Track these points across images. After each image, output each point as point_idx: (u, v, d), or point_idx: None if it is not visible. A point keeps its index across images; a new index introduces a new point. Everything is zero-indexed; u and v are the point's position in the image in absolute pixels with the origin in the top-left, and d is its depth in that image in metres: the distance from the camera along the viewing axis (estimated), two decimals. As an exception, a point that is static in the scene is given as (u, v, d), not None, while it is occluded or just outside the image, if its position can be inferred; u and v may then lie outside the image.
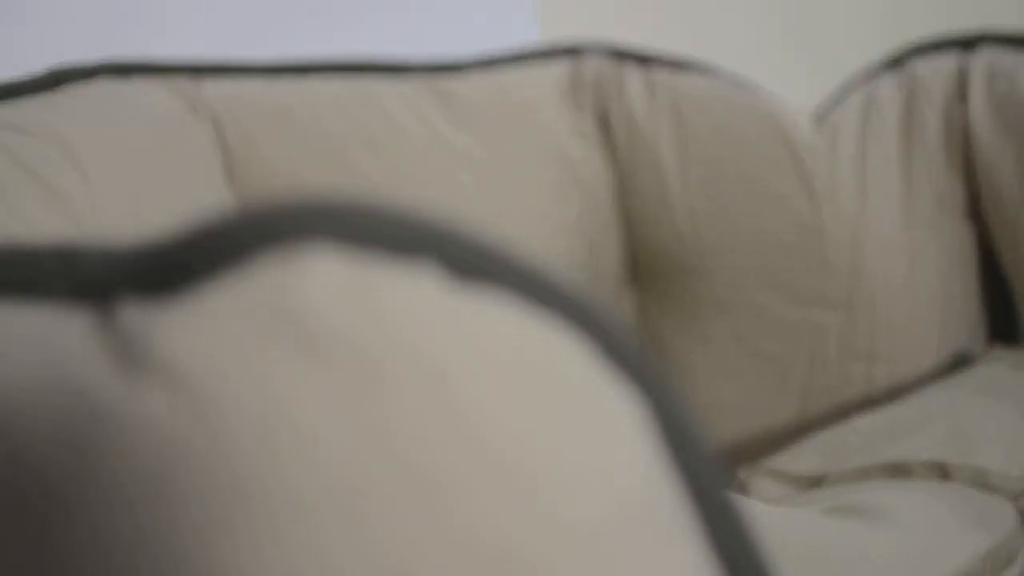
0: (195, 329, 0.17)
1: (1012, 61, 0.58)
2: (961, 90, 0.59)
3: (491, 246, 0.18)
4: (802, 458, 0.49)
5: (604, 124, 0.60)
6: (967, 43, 0.61)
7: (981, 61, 0.59)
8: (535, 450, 0.17)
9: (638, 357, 0.19)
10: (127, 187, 0.44)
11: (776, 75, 0.80)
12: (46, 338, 0.19)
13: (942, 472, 0.44)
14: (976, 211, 0.59)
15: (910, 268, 0.58)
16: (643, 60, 0.61)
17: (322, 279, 0.17)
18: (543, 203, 0.57)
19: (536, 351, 0.18)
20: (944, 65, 0.60)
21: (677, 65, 0.61)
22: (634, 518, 0.18)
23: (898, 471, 0.45)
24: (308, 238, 0.17)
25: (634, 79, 0.60)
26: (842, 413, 0.56)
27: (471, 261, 0.18)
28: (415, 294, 0.17)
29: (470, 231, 0.18)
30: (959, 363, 0.58)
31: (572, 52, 0.62)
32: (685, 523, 0.19)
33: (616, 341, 0.19)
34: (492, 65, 0.59)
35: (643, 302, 0.60)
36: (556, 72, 0.60)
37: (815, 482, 0.46)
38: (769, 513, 0.36)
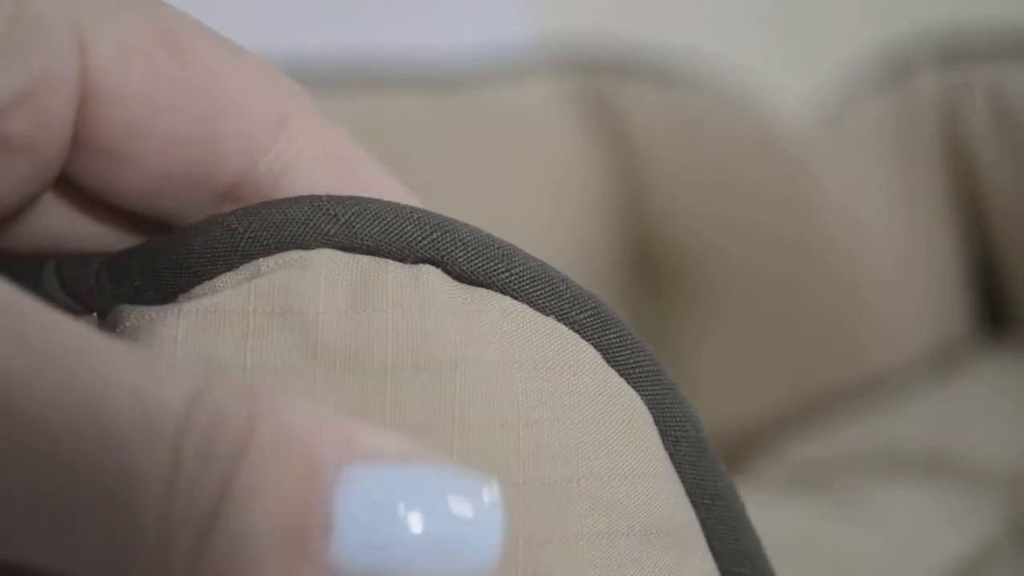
0: (195, 331, 0.17)
1: (1012, 69, 0.58)
2: (962, 100, 0.59)
3: (496, 247, 0.18)
4: (801, 447, 0.49)
5: (607, 130, 0.60)
6: (965, 47, 0.61)
7: (981, 68, 0.59)
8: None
9: (644, 359, 0.19)
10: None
11: (768, 59, 0.80)
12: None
13: (935, 462, 0.44)
14: (975, 210, 0.59)
15: (907, 265, 0.58)
16: (648, 67, 0.61)
17: (324, 282, 0.17)
18: (543, 207, 0.57)
19: (542, 353, 0.17)
20: (943, 73, 0.61)
21: (680, 71, 0.61)
22: (640, 518, 0.18)
23: (892, 460, 0.45)
24: (310, 240, 0.17)
25: (639, 86, 0.60)
26: (841, 403, 0.56)
27: (475, 263, 0.18)
28: (418, 298, 0.17)
29: (474, 232, 0.18)
30: (953, 353, 0.59)
31: (577, 56, 0.62)
32: (690, 523, 0.19)
33: (622, 343, 0.18)
34: (495, 68, 0.59)
35: (645, 304, 0.60)
36: (560, 76, 0.60)
37: (812, 469, 0.46)
38: (764, 508, 0.36)
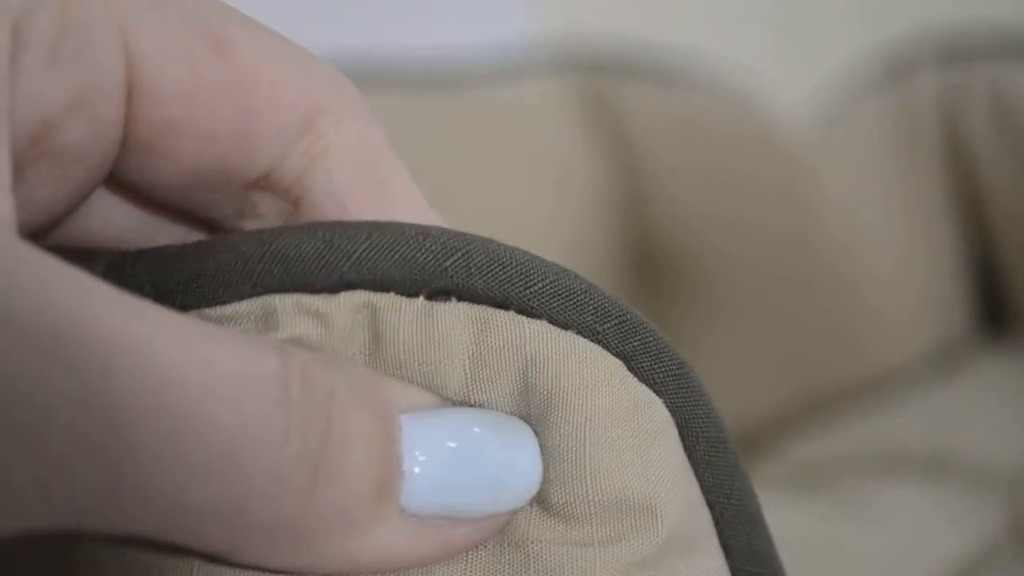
0: None
1: (1012, 69, 0.58)
2: (962, 100, 0.59)
3: (513, 264, 0.18)
4: (801, 447, 0.50)
5: (607, 130, 0.60)
6: (965, 47, 0.61)
7: (981, 68, 0.59)
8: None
9: (668, 362, 0.18)
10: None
11: (768, 59, 0.80)
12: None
13: (935, 462, 0.44)
14: (975, 210, 0.59)
15: (907, 265, 0.58)
16: (648, 67, 0.61)
17: (340, 341, 0.17)
18: (543, 207, 0.57)
19: (553, 383, 0.17)
20: (943, 73, 0.60)
21: (680, 71, 0.61)
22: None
23: (893, 460, 0.45)
24: (323, 278, 0.17)
25: (639, 86, 0.60)
26: (841, 403, 0.56)
27: (492, 284, 0.18)
28: (426, 350, 0.17)
29: (490, 251, 0.18)
30: (953, 353, 0.59)
31: (577, 56, 0.62)
32: (702, 524, 0.19)
33: (645, 348, 0.18)
34: (495, 68, 0.59)
35: (645, 304, 0.60)
36: (560, 76, 0.60)
37: (813, 469, 0.46)
38: (765, 508, 0.36)
